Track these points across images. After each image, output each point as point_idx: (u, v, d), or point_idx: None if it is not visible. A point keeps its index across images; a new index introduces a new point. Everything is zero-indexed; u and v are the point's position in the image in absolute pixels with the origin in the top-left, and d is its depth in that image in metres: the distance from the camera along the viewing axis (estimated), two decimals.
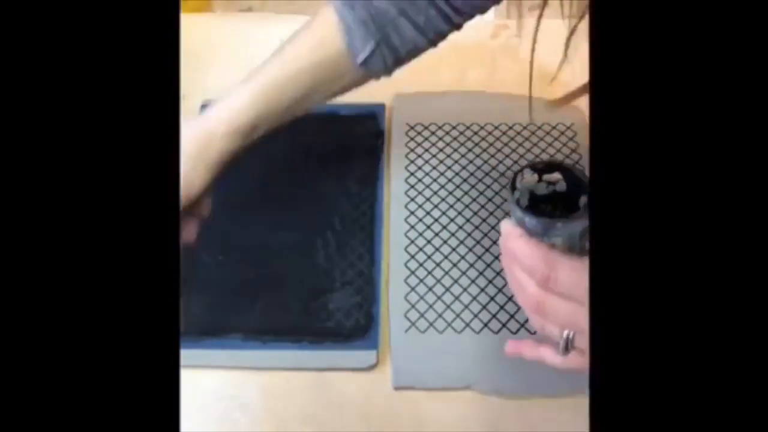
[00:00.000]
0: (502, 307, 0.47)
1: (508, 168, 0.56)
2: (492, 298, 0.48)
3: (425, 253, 0.50)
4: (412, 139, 0.59)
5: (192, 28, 0.70)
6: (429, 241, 0.51)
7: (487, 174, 0.56)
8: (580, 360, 0.34)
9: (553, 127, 0.59)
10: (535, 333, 0.45)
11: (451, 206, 0.54)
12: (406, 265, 0.50)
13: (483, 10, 0.45)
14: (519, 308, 0.47)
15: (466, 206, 0.54)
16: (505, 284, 0.48)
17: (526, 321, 0.46)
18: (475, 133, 0.59)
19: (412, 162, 0.57)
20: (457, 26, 0.45)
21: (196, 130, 0.42)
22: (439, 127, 0.60)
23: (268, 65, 0.44)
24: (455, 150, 0.58)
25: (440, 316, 0.47)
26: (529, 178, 0.36)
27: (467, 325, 0.46)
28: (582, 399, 0.43)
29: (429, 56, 0.64)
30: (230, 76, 0.65)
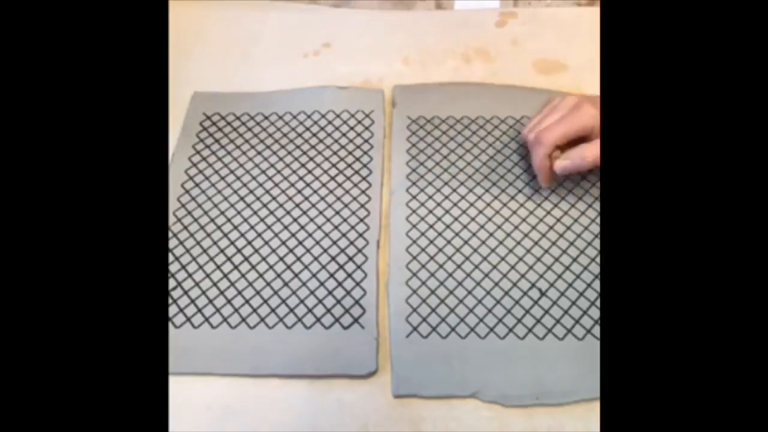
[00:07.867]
0: (509, 311, 0.47)
1: (516, 164, 0.56)
2: (498, 302, 0.48)
3: (428, 254, 0.51)
4: (413, 133, 0.59)
5: (182, 15, 0.70)
6: (432, 242, 0.51)
7: (493, 170, 0.56)
8: None
9: None
10: (543, 338, 0.46)
11: (455, 204, 0.54)
12: (407, 266, 0.50)
13: None
14: (526, 312, 0.47)
15: (471, 204, 0.54)
16: (512, 287, 0.49)
17: (534, 326, 0.47)
18: (481, 127, 0.59)
19: (413, 158, 0.57)
20: None
21: None
22: (443, 121, 0.60)
23: None
24: (459, 145, 0.58)
25: (443, 320, 0.47)
26: None
27: (472, 329, 0.46)
28: (591, 407, 0.43)
29: (431, 44, 0.64)
30: (221, 65, 0.66)
